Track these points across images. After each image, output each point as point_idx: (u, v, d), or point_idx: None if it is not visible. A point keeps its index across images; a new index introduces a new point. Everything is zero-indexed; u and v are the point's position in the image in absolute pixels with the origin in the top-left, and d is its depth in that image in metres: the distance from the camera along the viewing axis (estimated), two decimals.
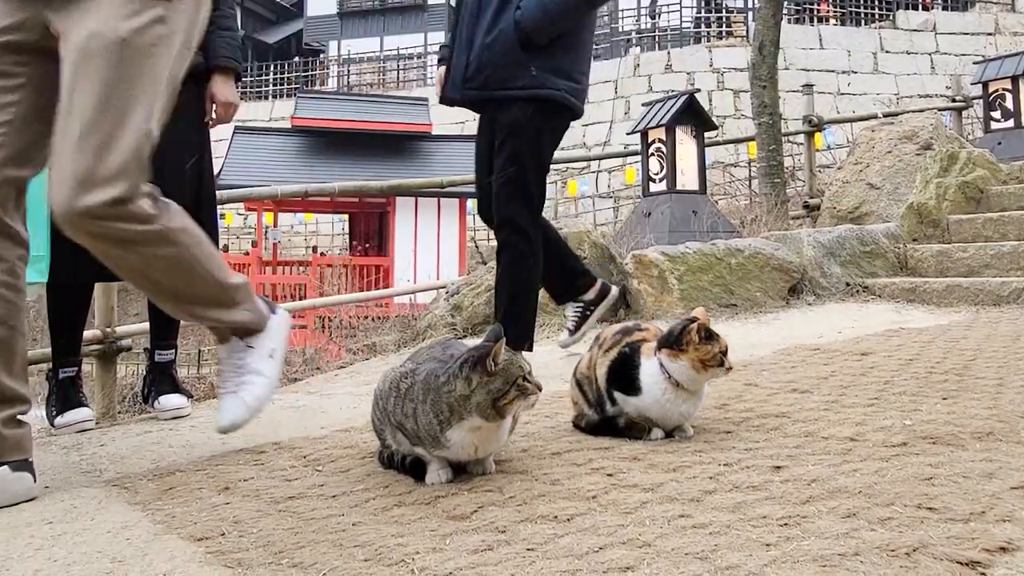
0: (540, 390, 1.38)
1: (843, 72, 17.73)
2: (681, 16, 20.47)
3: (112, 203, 1.50)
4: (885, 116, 8.32)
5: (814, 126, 7.93)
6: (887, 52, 18.02)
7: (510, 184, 2.56)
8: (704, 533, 1.08)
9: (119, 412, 3.07)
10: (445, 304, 4.18)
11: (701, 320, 1.59)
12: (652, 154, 6.76)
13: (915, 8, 19.13)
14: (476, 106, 2.71)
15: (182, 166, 2.43)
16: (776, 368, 2.45)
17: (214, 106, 2.47)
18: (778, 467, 1.37)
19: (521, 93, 2.52)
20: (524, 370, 1.36)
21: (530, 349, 2.68)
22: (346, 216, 16.94)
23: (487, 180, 2.67)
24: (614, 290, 3.06)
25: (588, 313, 2.99)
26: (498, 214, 2.59)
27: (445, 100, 2.74)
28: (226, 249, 14.87)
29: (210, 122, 2.49)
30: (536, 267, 2.63)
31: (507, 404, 1.34)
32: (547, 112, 2.57)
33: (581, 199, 16.30)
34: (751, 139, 8.54)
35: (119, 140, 1.51)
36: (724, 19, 20.48)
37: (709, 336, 1.57)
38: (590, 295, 2.97)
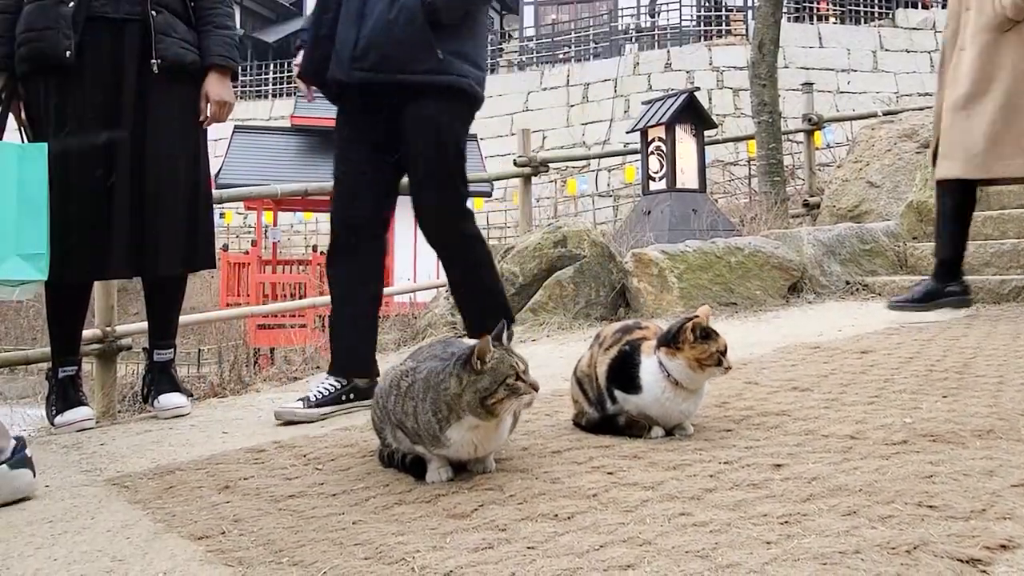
0: (536, 389, 1.37)
1: (843, 70, 17.71)
2: (681, 14, 20.44)
3: None
4: (885, 114, 8.31)
5: (814, 124, 7.92)
6: (887, 50, 18.00)
7: (445, 190, 2.33)
8: (704, 531, 1.08)
9: (119, 411, 3.06)
10: (445, 303, 4.18)
11: (699, 319, 1.58)
12: (652, 152, 6.76)
13: (914, 6, 19.10)
14: (363, 90, 2.31)
15: (177, 165, 2.43)
16: (776, 366, 2.44)
17: (209, 105, 2.47)
18: (778, 465, 1.37)
19: (426, 79, 2.23)
20: (516, 369, 1.35)
21: (511, 320, 2.30)
22: None
23: (360, 175, 2.44)
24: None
25: (344, 399, 2.28)
26: (442, 225, 2.38)
27: (316, 81, 2.40)
28: (226, 248, 14.85)
29: (205, 120, 2.49)
30: (488, 255, 2.47)
31: (496, 403, 1.33)
32: (459, 103, 2.32)
33: (581, 198, 16.28)
34: (751, 137, 8.53)
35: None
36: (724, 18, 20.45)
37: (707, 335, 1.57)
38: (363, 382, 2.31)
